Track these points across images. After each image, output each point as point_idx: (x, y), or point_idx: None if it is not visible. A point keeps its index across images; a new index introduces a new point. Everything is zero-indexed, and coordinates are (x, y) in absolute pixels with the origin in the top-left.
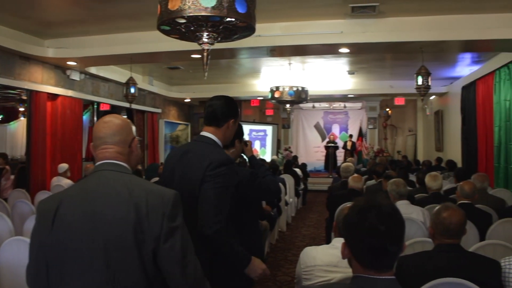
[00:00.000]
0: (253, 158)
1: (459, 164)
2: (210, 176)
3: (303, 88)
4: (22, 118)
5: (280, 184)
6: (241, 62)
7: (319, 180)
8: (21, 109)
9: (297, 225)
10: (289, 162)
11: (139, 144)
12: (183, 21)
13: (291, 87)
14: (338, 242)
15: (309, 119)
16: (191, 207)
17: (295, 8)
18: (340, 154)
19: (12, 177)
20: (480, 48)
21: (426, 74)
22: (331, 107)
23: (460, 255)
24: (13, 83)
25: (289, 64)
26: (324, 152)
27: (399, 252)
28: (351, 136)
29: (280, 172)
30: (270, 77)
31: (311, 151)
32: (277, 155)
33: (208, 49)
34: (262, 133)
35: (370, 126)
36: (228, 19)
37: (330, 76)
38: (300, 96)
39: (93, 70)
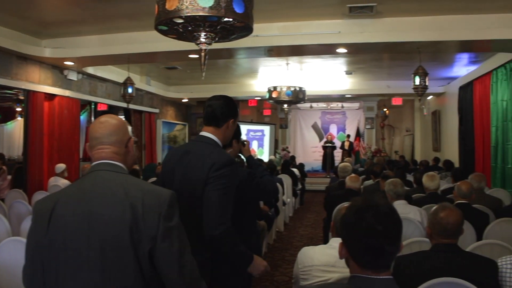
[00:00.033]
0: (250, 158)
1: (457, 164)
2: (214, 178)
3: (300, 88)
4: (19, 118)
5: (278, 184)
6: (238, 62)
7: (317, 180)
8: (18, 109)
9: (295, 225)
10: (286, 162)
11: (135, 144)
12: (180, 21)
13: (288, 87)
14: (335, 242)
15: (306, 119)
16: (192, 208)
17: (293, 8)
18: (337, 154)
19: (9, 177)
20: (477, 48)
21: (424, 74)
22: (329, 107)
23: (457, 255)
24: (10, 83)
25: (287, 64)
26: (321, 152)
27: (397, 252)
28: (348, 136)
29: (277, 172)
30: (267, 77)
31: (308, 151)
32: (274, 155)
33: (205, 49)
34: (259, 133)
35: (368, 126)
36: (226, 19)
37: (327, 76)
38: (297, 96)
39: (90, 70)
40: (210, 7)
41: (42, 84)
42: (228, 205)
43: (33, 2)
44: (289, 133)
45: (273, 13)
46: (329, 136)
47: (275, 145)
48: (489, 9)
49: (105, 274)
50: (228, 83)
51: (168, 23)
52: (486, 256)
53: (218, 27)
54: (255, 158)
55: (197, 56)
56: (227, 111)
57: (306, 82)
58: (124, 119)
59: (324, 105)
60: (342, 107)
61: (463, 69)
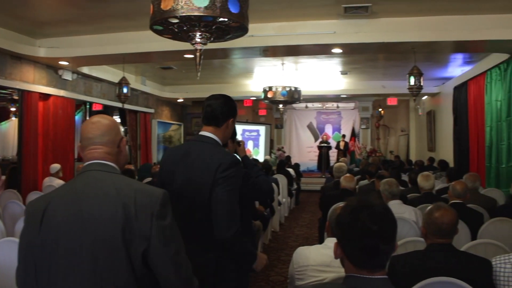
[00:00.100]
0: (246, 158)
1: (451, 164)
2: (222, 179)
3: (296, 88)
4: (13, 118)
5: (273, 184)
6: (234, 62)
7: (312, 180)
8: (13, 109)
9: (290, 225)
10: (282, 162)
11: (128, 145)
12: (175, 21)
13: (284, 87)
14: (331, 242)
15: (302, 119)
16: (195, 209)
17: (288, 8)
18: (333, 154)
19: (3, 177)
20: (471, 49)
21: (418, 75)
22: (324, 107)
23: (452, 255)
24: (4, 82)
25: (282, 64)
26: (317, 152)
27: (391, 252)
28: (344, 136)
29: (273, 172)
30: (263, 77)
31: (304, 151)
32: (270, 155)
33: (201, 49)
34: (255, 133)
35: (363, 126)
36: (221, 19)
37: (323, 76)
38: (293, 96)
39: (85, 70)
40: (205, 7)
41: (36, 84)
42: (237, 206)
43: (28, 2)
44: (284, 133)
45: (269, 13)
46: (325, 136)
47: (271, 145)
48: (483, 9)
49: (97, 274)
50: (223, 83)
51: (163, 23)
52: (480, 256)
53: (213, 27)
54: (251, 158)
55: (192, 56)
56: (226, 110)
57: (301, 82)
58: (119, 119)
59: (320, 105)
60: (338, 107)
61: (457, 69)
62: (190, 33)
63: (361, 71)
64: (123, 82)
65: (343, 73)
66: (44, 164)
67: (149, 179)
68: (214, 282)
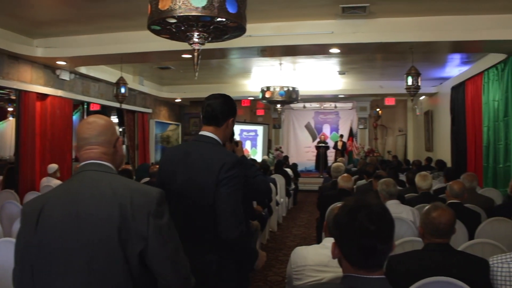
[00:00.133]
0: (244, 158)
1: (449, 164)
2: (226, 179)
3: (293, 88)
4: (11, 118)
5: (271, 184)
6: (231, 62)
7: (310, 180)
8: (10, 109)
9: (288, 225)
10: (280, 162)
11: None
12: (173, 21)
13: (282, 87)
14: (328, 242)
15: (300, 119)
16: (198, 209)
17: (286, 9)
18: (330, 154)
19: (1, 177)
20: (469, 49)
21: (416, 75)
22: (322, 107)
23: (450, 254)
24: (1, 82)
25: (280, 64)
26: (315, 152)
27: (389, 251)
28: (341, 136)
29: (271, 172)
30: (261, 77)
31: (302, 151)
32: (268, 155)
33: (198, 49)
34: (253, 133)
35: (361, 126)
36: (219, 19)
37: (320, 76)
38: (290, 96)
39: (83, 70)
40: (203, 7)
41: (34, 83)
42: (241, 205)
43: (25, 1)
44: (282, 133)
45: (266, 13)
46: (322, 136)
47: (268, 145)
48: (481, 10)
49: (94, 274)
50: (221, 83)
51: (161, 23)
52: (477, 255)
53: (211, 27)
54: (248, 158)
55: (190, 56)
56: (227, 110)
57: (299, 82)
58: (116, 119)
59: (317, 105)
60: (335, 107)
61: (455, 69)
62: (188, 33)
63: (359, 71)
64: (120, 82)
65: (341, 73)
66: (42, 164)
67: (147, 179)
68: (216, 283)
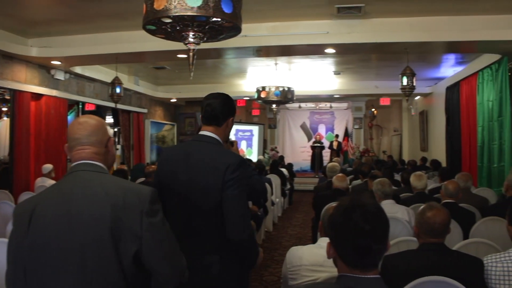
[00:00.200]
0: None
1: (444, 164)
2: (232, 180)
3: (289, 88)
4: (5, 118)
5: (266, 184)
6: (227, 62)
7: (306, 180)
8: (4, 109)
9: (284, 225)
10: (275, 162)
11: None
12: (168, 20)
13: (277, 87)
14: (324, 242)
15: (295, 119)
16: (201, 211)
17: (281, 9)
18: (326, 154)
19: None
20: (463, 49)
21: (411, 75)
22: (317, 107)
23: (444, 254)
24: None
25: (275, 64)
26: (310, 152)
27: (384, 251)
28: (337, 136)
29: (266, 172)
30: (256, 77)
31: (297, 151)
32: (263, 155)
33: (194, 49)
34: (248, 133)
35: (356, 126)
36: (214, 19)
37: (316, 76)
38: (286, 96)
39: (78, 69)
40: (199, 7)
41: (28, 83)
42: (247, 205)
43: (20, 1)
44: (277, 133)
45: (262, 13)
46: (318, 136)
47: (264, 145)
48: (475, 10)
49: (87, 275)
50: (216, 83)
51: (156, 23)
52: (472, 255)
53: (207, 27)
54: (244, 158)
55: (185, 56)
56: (227, 109)
57: (294, 82)
58: (112, 119)
59: (313, 105)
60: (331, 107)
61: (450, 69)
62: (183, 33)
63: (354, 71)
64: (116, 82)
65: (336, 73)
66: (36, 165)
67: (142, 179)
68: (217, 283)
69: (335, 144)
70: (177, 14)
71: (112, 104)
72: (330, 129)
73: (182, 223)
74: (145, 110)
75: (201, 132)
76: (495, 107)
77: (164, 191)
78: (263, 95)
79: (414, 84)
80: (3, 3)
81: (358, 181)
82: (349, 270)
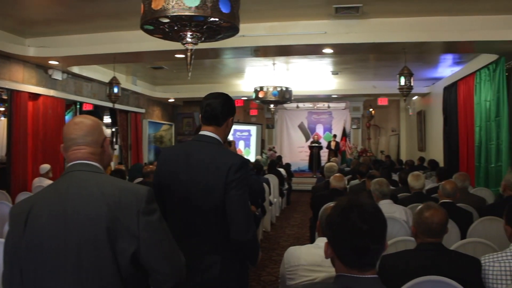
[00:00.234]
0: None
1: (441, 164)
2: (235, 181)
3: (287, 88)
4: (2, 118)
5: (264, 184)
6: (225, 62)
7: (303, 180)
8: (2, 109)
9: (282, 225)
10: (273, 162)
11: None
12: (166, 20)
13: (275, 87)
14: (321, 242)
15: (293, 119)
16: (203, 211)
17: (279, 9)
18: (324, 154)
19: None
20: (461, 50)
21: (409, 75)
22: (315, 107)
23: (442, 254)
24: None
25: (273, 64)
26: (308, 152)
27: (382, 251)
28: (335, 136)
29: (264, 172)
30: (254, 77)
31: (295, 151)
32: (261, 155)
33: (191, 49)
34: (246, 133)
35: (354, 126)
36: (212, 19)
37: (314, 76)
38: (284, 96)
39: (75, 69)
40: (196, 7)
41: (26, 83)
42: (249, 205)
43: (17, 0)
44: (275, 133)
45: (260, 13)
46: (316, 136)
47: (262, 145)
48: (473, 11)
49: (83, 275)
50: (214, 83)
51: (154, 23)
52: (469, 255)
53: (204, 27)
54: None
55: (183, 56)
56: (226, 109)
57: (292, 82)
58: (109, 119)
59: (311, 105)
60: (329, 107)
61: (447, 69)
62: (181, 33)
63: (352, 71)
64: (113, 82)
65: (334, 73)
66: (34, 165)
67: (140, 179)
68: (218, 283)
69: (333, 144)
70: (175, 14)
71: (110, 104)
72: (328, 129)
73: (183, 223)
74: (143, 110)
75: (201, 132)
76: (493, 107)
77: (164, 191)
78: (261, 95)
79: (412, 84)
80: (0, 2)
81: (356, 181)
82: (347, 270)
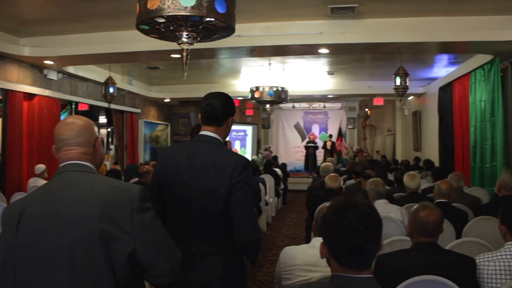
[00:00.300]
0: None
1: (437, 164)
2: (240, 183)
3: (283, 88)
4: None
5: (260, 184)
6: (221, 62)
7: (299, 180)
8: None
9: (277, 225)
10: (269, 162)
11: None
12: (162, 20)
13: (271, 87)
14: (317, 242)
15: (289, 119)
16: (206, 213)
17: (275, 9)
18: (320, 154)
19: None
20: (456, 50)
21: (404, 75)
22: (311, 107)
23: (437, 253)
24: None
25: (269, 64)
26: (304, 152)
27: (377, 251)
28: (330, 136)
29: (260, 172)
30: (250, 77)
31: (291, 151)
32: (257, 155)
33: (187, 49)
34: (242, 133)
35: (350, 126)
36: (208, 19)
37: (309, 76)
38: (280, 96)
39: (71, 69)
40: (192, 7)
41: (21, 83)
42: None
43: (12, 0)
44: (271, 133)
45: (256, 13)
46: (311, 136)
47: (258, 145)
48: (468, 11)
49: (76, 275)
50: (210, 83)
51: (149, 23)
52: (465, 254)
53: (200, 27)
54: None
55: (179, 56)
56: (226, 109)
57: (288, 82)
58: (105, 119)
59: (307, 105)
60: (324, 107)
61: (442, 70)
62: (176, 33)
63: (348, 71)
64: (109, 81)
65: (330, 73)
66: (29, 165)
67: (136, 179)
68: (221, 284)
69: (328, 144)
70: (170, 14)
71: (105, 104)
72: (324, 129)
73: (185, 224)
74: (138, 110)
75: (202, 132)
76: (488, 107)
77: (165, 191)
78: (257, 95)
79: (407, 84)
80: None
81: (352, 181)
82: (343, 270)
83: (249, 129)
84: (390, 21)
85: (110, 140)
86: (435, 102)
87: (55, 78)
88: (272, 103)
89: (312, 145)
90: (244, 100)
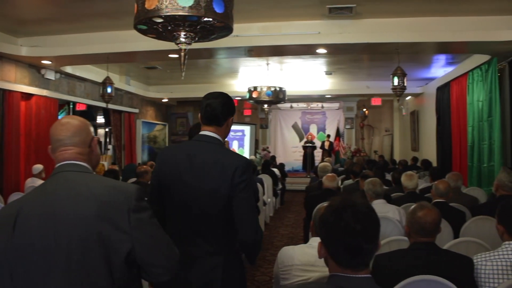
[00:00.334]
0: None
1: (434, 164)
2: (244, 183)
3: (281, 88)
4: None
5: (258, 184)
6: (219, 62)
7: (297, 180)
8: None
9: (275, 225)
10: (267, 162)
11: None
12: (160, 20)
13: (269, 87)
14: (315, 242)
15: (287, 119)
16: (207, 213)
17: (273, 9)
18: (317, 154)
19: None
20: (454, 50)
21: (402, 75)
22: (309, 107)
23: (435, 253)
24: None
25: (267, 64)
26: (302, 152)
27: (375, 251)
28: (328, 136)
29: (258, 172)
30: (248, 77)
31: (289, 151)
32: (255, 155)
33: (185, 49)
34: (240, 133)
35: (347, 126)
36: (206, 19)
37: (307, 76)
38: (278, 96)
39: (68, 69)
40: (190, 7)
41: (18, 83)
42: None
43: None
44: (269, 133)
45: (253, 13)
46: (309, 136)
47: (256, 145)
48: (465, 11)
49: (73, 275)
50: (208, 83)
51: (147, 23)
52: (462, 254)
53: (198, 27)
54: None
55: (176, 56)
56: (226, 109)
57: (286, 82)
58: (103, 119)
59: (304, 105)
60: (322, 107)
61: (440, 70)
62: (174, 33)
63: (346, 71)
64: (107, 81)
65: (328, 73)
66: (27, 165)
67: (134, 179)
68: (221, 285)
69: (326, 144)
70: (168, 14)
71: (103, 104)
72: (322, 129)
73: (185, 225)
74: (136, 110)
75: (202, 132)
76: (485, 107)
77: (165, 192)
78: (254, 95)
79: (405, 84)
80: None
81: (350, 181)
82: (340, 270)
83: (247, 129)
84: (388, 21)
85: (108, 140)
86: (433, 102)
87: (53, 78)
88: (270, 103)
89: (310, 145)
90: (242, 100)
